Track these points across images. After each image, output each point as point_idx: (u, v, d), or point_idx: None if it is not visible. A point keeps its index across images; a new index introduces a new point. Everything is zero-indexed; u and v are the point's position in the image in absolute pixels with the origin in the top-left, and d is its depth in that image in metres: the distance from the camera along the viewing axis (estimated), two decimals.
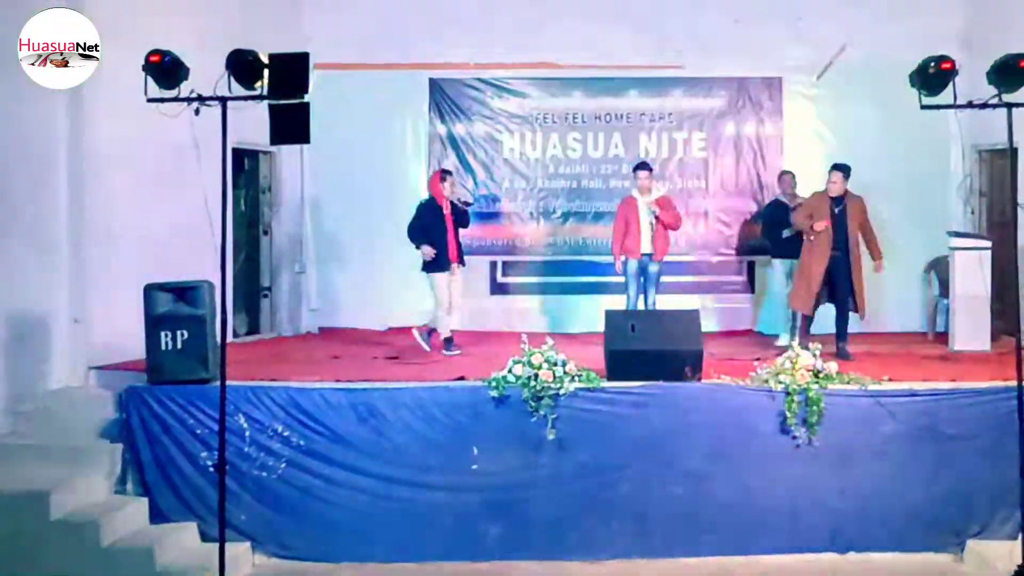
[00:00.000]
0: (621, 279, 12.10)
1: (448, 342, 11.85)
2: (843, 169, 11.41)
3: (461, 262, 12.06)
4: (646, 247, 11.96)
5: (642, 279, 12.03)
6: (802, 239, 11.61)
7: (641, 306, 11.93)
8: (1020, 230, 8.57)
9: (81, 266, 10.10)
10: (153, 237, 10.61)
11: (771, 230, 12.80)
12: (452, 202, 11.95)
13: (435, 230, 11.79)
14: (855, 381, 9.22)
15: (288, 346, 12.68)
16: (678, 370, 9.28)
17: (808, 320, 11.56)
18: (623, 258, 12.02)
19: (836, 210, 11.33)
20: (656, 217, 11.85)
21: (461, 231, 12.12)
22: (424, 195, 12.22)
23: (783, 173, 13.06)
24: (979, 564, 8.81)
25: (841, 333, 11.33)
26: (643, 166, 12.29)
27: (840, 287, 11.29)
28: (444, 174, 12.14)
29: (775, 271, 12.87)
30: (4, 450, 9.24)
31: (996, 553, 8.66)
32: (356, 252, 14.02)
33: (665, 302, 12.29)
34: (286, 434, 9.20)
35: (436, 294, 11.87)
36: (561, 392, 9.08)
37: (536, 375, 9.09)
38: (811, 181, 13.64)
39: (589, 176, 14.32)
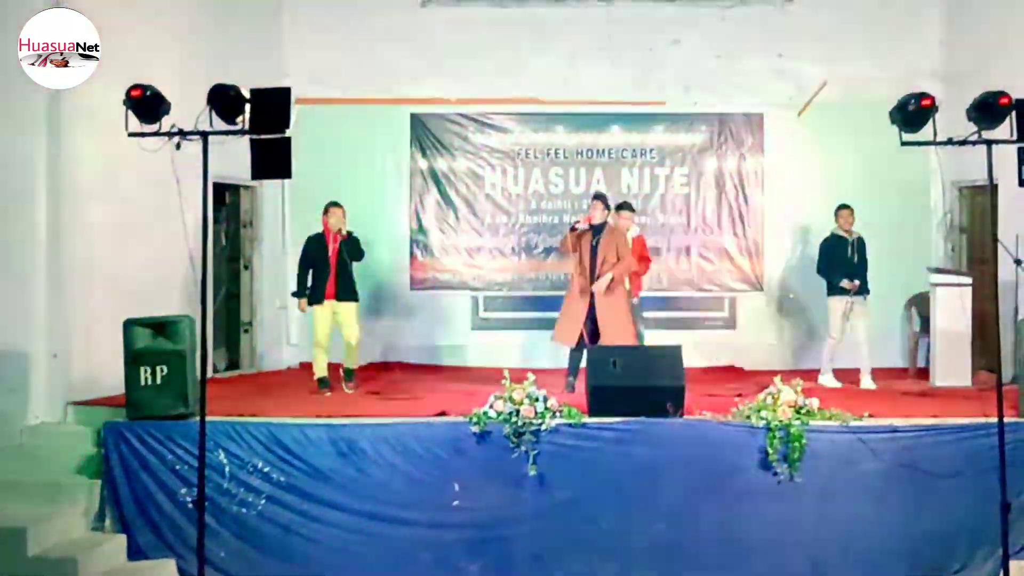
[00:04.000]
0: None
1: (322, 382, 11.63)
2: (600, 198, 11.50)
3: (346, 296, 11.70)
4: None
5: None
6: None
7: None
8: (1000, 266, 8.58)
9: (59, 301, 10.03)
10: (133, 271, 10.57)
11: (825, 266, 12.31)
12: (345, 234, 11.65)
13: (317, 262, 11.65)
14: (836, 417, 9.21)
15: (268, 381, 12.61)
16: (660, 406, 9.26)
17: (575, 356, 11.44)
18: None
19: (593, 241, 11.38)
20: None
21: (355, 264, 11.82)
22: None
23: (843, 207, 12.29)
24: None
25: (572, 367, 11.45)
26: (628, 207, 12.31)
27: (591, 320, 11.26)
28: (329, 205, 11.77)
29: (831, 310, 12.21)
30: None
31: None
32: None
33: (647, 338, 12.29)
34: (266, 470, 9.15)
35: (312, 328, 11.77)
36: (542, 428, 9.06)
37: (517, 411, 9.06)
38: (790, 217, 13.81)
39: (571, 212, 14.31)
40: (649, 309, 12.55)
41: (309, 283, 11.67)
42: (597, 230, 11.34)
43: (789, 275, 14.21)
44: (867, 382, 11.84)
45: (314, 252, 11.69)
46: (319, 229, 11.61)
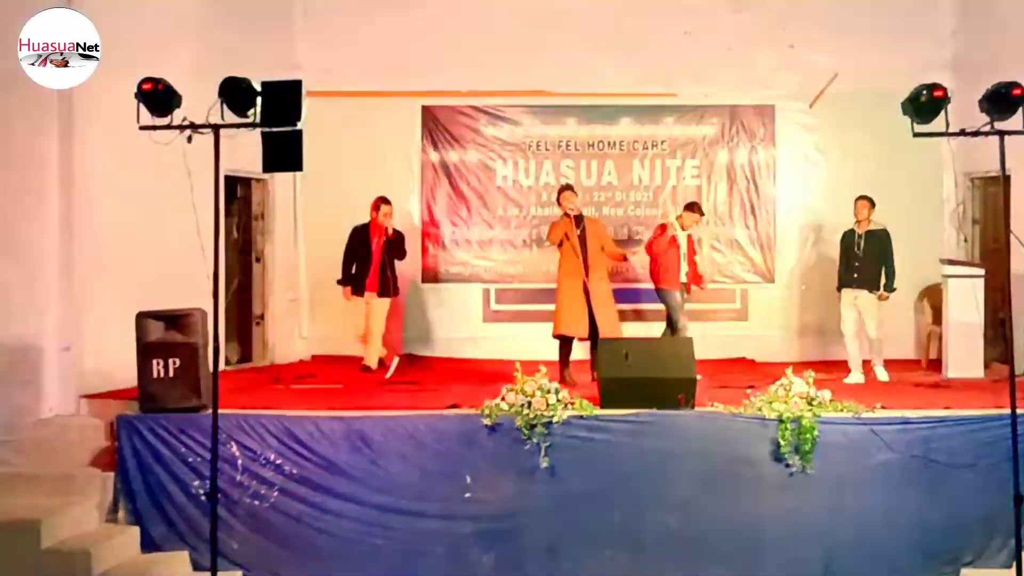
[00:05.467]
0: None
1: (365, 369, 12.36)
2: (572, 188, 11.89)
3: (384, 293, 12.28)
4: (683, 277, 12.17)
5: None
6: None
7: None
8: (1013, 257, 8.55)
9: (72, 294, 10.06)
10: (145, 265, 10.57)
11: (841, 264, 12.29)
12: (387, 230, 12.17)
13: (359, 255, 12.24)
14: (848, 409, 9.19)
15: (280, 374, 12.60)
16: (672, 398, 9.26)
17: (566, 348, 11.60)
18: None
19: (578, 230, 11.47)
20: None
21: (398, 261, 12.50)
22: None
23: (857, 198, 12.20)
24: None
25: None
26: (697, 208, 12.49)
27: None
28: (379, 202, 12.29)
29: (844, 304, 12.16)
30: None
31: None
32: None
33: (658, 330, 12.30)
34: (278, 462, 9.17)
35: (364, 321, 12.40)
36: (554, 420, 9.07)
37: (529, 403, 9.08)
38: (802, 209, 13.79)
39: (582, 204, 14.23)
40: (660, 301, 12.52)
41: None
42: (578, 220, 11.46)
43: (801, 267, 14.19)
44: (880, 373, 11.80)
45: (358, 244, 12.22)
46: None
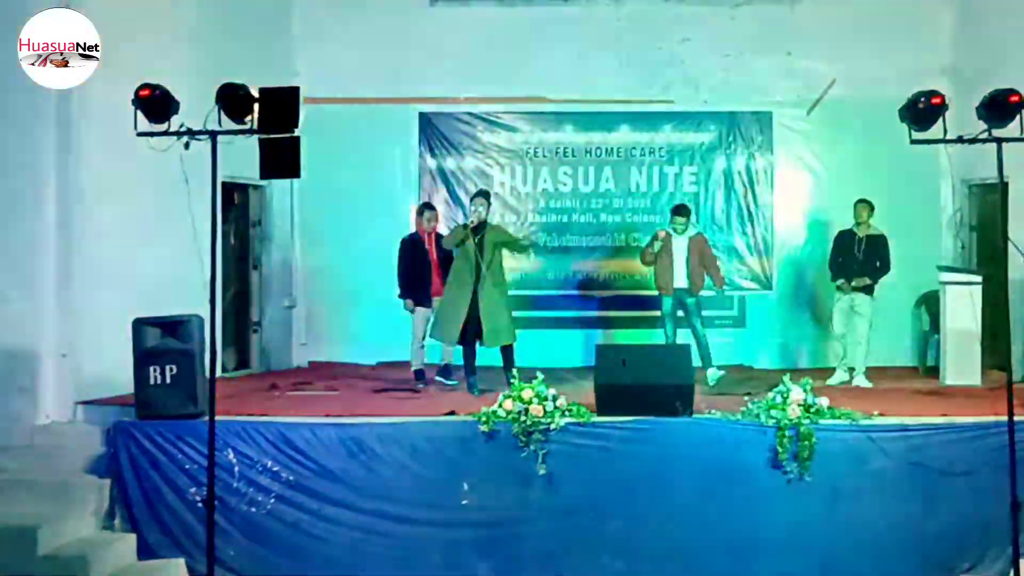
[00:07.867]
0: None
1: (419, 374, 11.92)
2: (486, 195, 11.57)
3: None
4: (680, 282, 12.02)
5: (679, 314, 12.14)
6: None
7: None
8: (1010, 265, 8.55)
9: (69, 300, 10.05)
10: (142, 271, 10.57)
11: (830, 260, 12.35)
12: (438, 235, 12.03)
13: (416, 265, 11.96)
14: (846, 416, 9.18)
15: (277, 381, 12.58)
16: (669, 405, 9.25)
17: (468, 354, 11.43)
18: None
19: (476, 238, 11.19)
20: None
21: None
22: (415, 228, 12.30)
23: (858, 201, 12.22)
24: None
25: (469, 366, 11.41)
26: (681, 210, 12.31)
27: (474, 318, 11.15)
28: (422, 208, 12.31)
29: (837, 304, 12.23)
30: None
31: None
32: (346, 286, 13.99)
33: (654, 336, 12.29)
34: (275, 469, 9.15)
35: (413, 326, 12.04)
36: (551, 427, 9.04)
37: (526, 410, 9.04)
38: (800, 215, 13.79)
39: (580, 210, 14.32)
40: (656, 309, 12.50)
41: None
42: (478, 228, 11.22)
43: (799, 274, 14.18)
44: (860, 379, 11.82)
45: (414, 254, 12.00)
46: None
